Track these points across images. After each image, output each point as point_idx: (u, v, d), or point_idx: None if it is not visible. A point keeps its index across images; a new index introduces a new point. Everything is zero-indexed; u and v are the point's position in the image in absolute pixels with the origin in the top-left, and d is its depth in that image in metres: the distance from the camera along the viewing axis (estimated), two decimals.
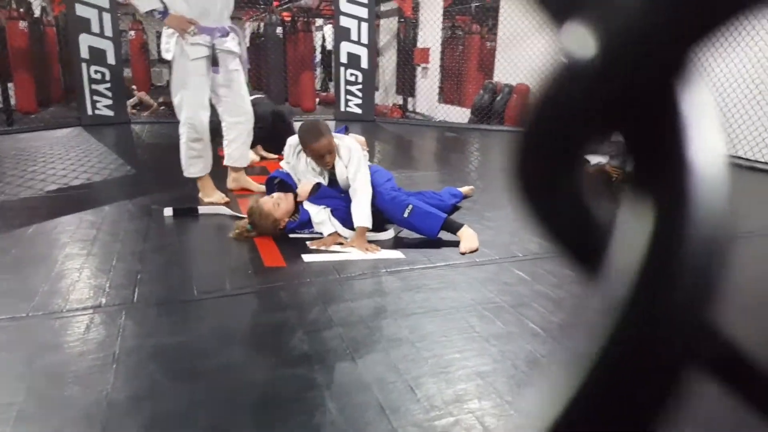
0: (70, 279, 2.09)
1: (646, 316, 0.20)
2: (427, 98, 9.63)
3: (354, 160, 2.60)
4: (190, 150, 3.08)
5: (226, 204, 3.10)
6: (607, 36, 0.19)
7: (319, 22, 14.71)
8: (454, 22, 9.94)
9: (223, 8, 3.01)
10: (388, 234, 2.66)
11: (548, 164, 0.21)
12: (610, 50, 0.19)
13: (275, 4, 9.67)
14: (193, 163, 3.11)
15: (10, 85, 7.19)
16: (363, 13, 6.78)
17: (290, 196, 2.64)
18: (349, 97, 7.05)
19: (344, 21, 6.81)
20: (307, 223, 2.60)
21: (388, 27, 10.92)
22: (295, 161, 2.73)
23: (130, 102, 7.53)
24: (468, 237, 2.51)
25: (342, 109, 7.00)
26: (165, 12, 2.85)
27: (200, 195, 3.18)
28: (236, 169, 3.37)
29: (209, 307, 1.88)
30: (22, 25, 6.72)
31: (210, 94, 3.08)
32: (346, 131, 3.07)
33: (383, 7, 10.69)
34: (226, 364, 1.50)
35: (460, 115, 8.34)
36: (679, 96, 0.19)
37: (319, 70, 13.54)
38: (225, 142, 3.30)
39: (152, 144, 5.42)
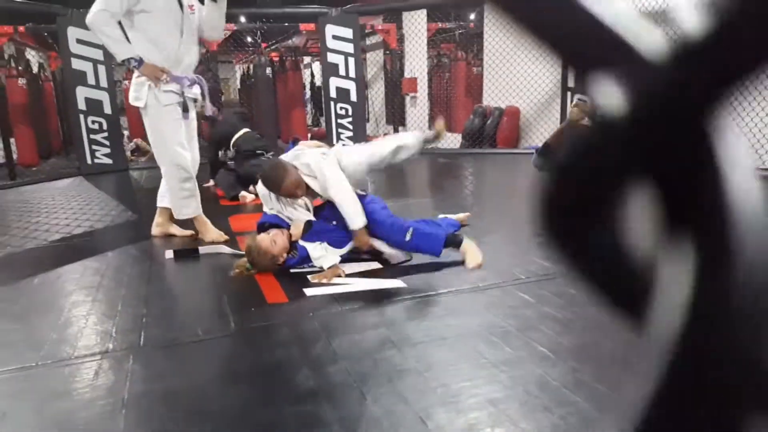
0: (78, 326, 2.09)
1: (701, 364, 0.19)
2: (417, 126, 9.73)
3: (319, 172, 2.61)
4: (182, 191, 3.12)
5: (226, 242, 3.12)
6: (637, 90, 0.19)
7: (307, 59, 14.97)
8: (439, 51, 10.14)
9: (192, 59, 3.14)
10: (399, 257, 2.68)
11: (584, 211, 0.21)
12: (640, 104, 0.19)
13: (263, 45, 9.86)
14: (186, 203, 3.15)
15: (12, 140, 7.28)
16: (349, 48, 6.93)
17: (285, 231, 2.67)
18: (340, 130, 7.15)
19: (331, 57, 6.96)
20: (306, 258, 2.62)
21: (375, 60, 11.13)
22: (275, 204, 2.76)
23: (129, 147, 7.63)
24: (472, 252, 2.56)
25: (334, 142, 7.09)
26: (140, 61, 2.94)
27: (200, 235, 3.20)
28: (165, 213, 3.33)
29: (214, 348, 1.89)
30: (21, 82, 6.87)
31: None
32: (295, 143, 3.08)
33: (368, 41, 10.91)
34: (233, 405, 1.50)
35: (451, 141, 8.43)
36: (713, 144, 0.19)
37: (309, 106, 13.72)
38: (164, 185, 3.30)
39: (151, 188, 5.43)
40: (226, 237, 3.19)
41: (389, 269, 2.61)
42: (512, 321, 1.96)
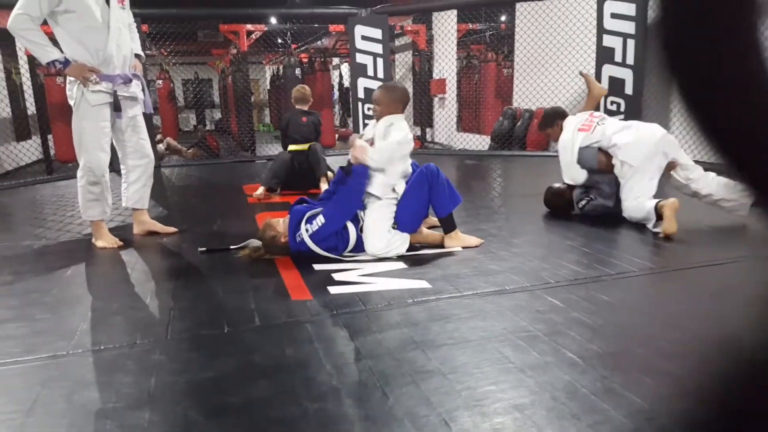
0: (107, 317, 2.14)
1: None
2: (445, 128, 9.70)
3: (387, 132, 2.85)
4: (88, 193, 3.08)
5: (120, 248, 3.08)
6: None
7: (335, 61, 15.06)
8: (469, 52, 10.07)
9: (125, 56, 3.08)
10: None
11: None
12: None
13: (293, 46, 9.95)
14: (91, 206, 3.10)
15: (49, 136, 7.52)
16: (378, 48, 6.93)
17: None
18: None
19: (360, 58, 6.97)
20: (297, 227, 2.70)
21: (404, 61, 11.12)
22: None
23: (161, 146, 7.80)
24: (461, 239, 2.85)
25: None
26: (66, 62, 2.89)
27: (93, 240, 3.16)
28: (139, 212, 3.37)
29: (239, 342, 1.90)
30: (59, 80, 7.04)
31: (113, 138, 3.16)
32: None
33: (397, 42, 10.91)
34: (256, 399, 1.50)
35: (479, 142, 8.37)
36: None
37: (337, 107, 13.80)
38: (124, 185, 3.32)
39: (182, 186, 5.56)
40: (120, 243, 3.13)
41: (414, 269, 2.59)
42: (540, 325, 1.92)
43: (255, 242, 2.81)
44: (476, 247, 2.91)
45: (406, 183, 2.85)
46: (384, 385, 1.55)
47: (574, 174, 3.43)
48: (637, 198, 3.17)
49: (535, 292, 2.25)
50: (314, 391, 1.53)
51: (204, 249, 2.95)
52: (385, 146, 2.81)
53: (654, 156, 3.19)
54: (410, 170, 2.92)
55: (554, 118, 3.65)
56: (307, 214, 2.72)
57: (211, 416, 1.43)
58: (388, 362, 1.70)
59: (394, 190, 2.81)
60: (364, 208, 2.79)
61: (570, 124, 3.52)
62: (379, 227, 2.74)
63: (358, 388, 1.54)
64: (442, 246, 2.90)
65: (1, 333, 1.99)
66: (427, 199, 2.85)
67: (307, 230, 2.67)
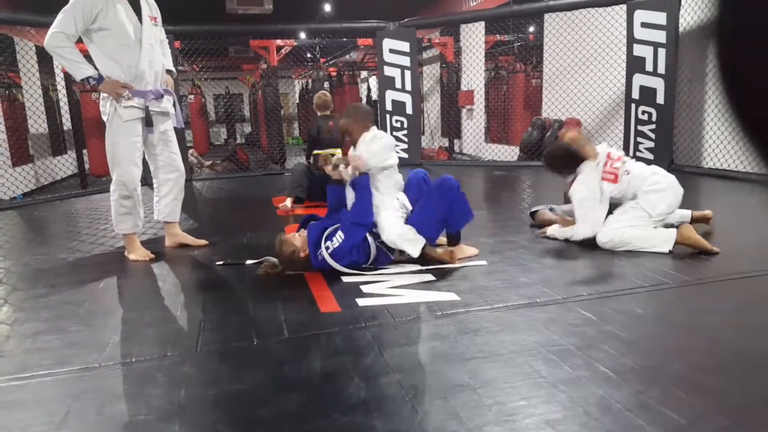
0: (138, 329, 2.17)
1: None
2: (473, 139, 9.66)
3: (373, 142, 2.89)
4: (120, 207, 3.14)
5: (151, 260, 3.12)
6: None
7: (363, 74, 15.19)
8: (497, 63, 10.04)
9: (157, 72, 3.14)
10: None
11: None
12: None
13: (322, 60, 10.08)
14: (123, 219, 3.16)
15: (84, 151, 7.76)
16: (405, 61, 6.96)
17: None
18: (395, 142, 7.16)
19: (388, 70, 7.01)
20: (318, 242, 2.69)
21: (432, 73, 11.15)
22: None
23: (190, 160, 7.98)
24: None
25: None
26: (100, 78, 2.96)
27: (125, 252, 3.21)
28: (170, 225, 3.41)
29: (268, 354, 1.90)
30: (94, 96, 7.27)
31: (144, 153, 3.22)
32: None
33: (425, 55, 10.95)
34: (285, 412, 1.50)
35: (508, 153, 8.31)
36: None
37: None
38: (156, 198, 3.37)
39: (212, 199, 5.65)
40: (152, 256, 3.16)
41: (442, 281, 2.57)
42: (572, 339, 1.87)
43: (272, 259, 2.78)
44: (474, 256, 2.90)
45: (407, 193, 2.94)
46: (413, 399, 1.52)
47: (597, 228, 3.02)
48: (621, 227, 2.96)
49: (567, 305, 2.20)
50: (343, 404, 1.52)
51: (221, 263, 2.98)
52: (374, 147, 2.86)
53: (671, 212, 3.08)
54: (402, 182, 2.99)
55: (574, 160, 3.15)
56: (327, 231, 2.72)
57: (240, 429, 1.44)
58: (417, 376, 1.67)
59: (402, 204, 2.88)
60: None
61: (590, 170, 3.10)
62: (393, 219, 2.78)
63: (387, 402, 1.53)
64: (445, 261, 2.81)
65: (36, 345, 2.04)
66: (445, 213, 2.84)
67: (327, 248, 2.65)
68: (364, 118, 2.97)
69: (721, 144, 5.34)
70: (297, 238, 2.71)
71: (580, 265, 2.72)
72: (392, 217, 2.78)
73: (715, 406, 1.45)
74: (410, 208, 2.90)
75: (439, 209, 2.82)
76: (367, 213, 2.75)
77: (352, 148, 2.95)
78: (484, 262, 2.83)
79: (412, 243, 2.75)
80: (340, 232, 2.68)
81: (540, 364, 1.70)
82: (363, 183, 2.79)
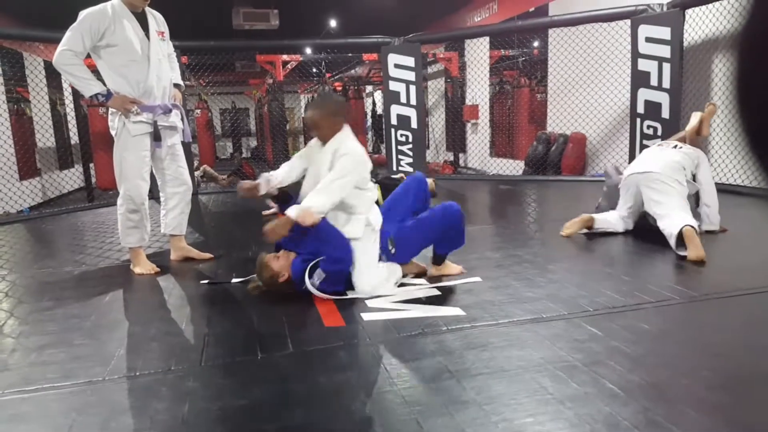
0: (143, 343, 2.17)
1: None
2: (478, 153, 9.68)
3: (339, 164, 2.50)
4: (127, 221, 3.15)
5: (157, 274, 3.13)
6: None
7: (368, 89, 15.29)
8: (501, 78, 10.09)
9: (165, 87, 3.17)
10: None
11: None
12: None
13: (327, 75, 10.15)
14: (130, 233, 3.17)
15: (91, 165, 7.82)
16: (410, 76, 7.00)
17: (292, 254, 2.59)
18: (400, 156, 7.19)
19: (393, 85, 7.05)
20: (301, 278, 2.50)
21: (436, 87, 11.20)
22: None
23: (198, 174, 8.01)
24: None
25: (394, 168, 7.13)
26: (108, 94, 2.99)
27: (131, 266, 3.22)
28: (176, 238, 3.42)
29: (272, 368, 1.89)
30: (101, 111, 7.35)
31: (152, 167, 3.23)
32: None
33: (430, 69, 11.02)
34: (289, 427, 1.49)
35: (513, 167, 8.31)
36: None
37: (370, 134, 13.96)
38: (163, 212, 3.38)
39: (218, 212, 5.67)
40: (157, 270, 3.17)
41: (448, 296, 2.56)
42: (578, 355, 1.86)
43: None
44: (458, 274, 2.84)
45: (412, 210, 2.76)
46: (418, 416, 1.51)
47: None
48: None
49: (573, 320, 2.18)
50: (348, 420, 1.51)
51: (206, 281, 2.95)
52: (330, 186, 2.46)
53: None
54: (376, 195, 2.72)
55: None
56: (309, 267, 2.50)
57: None
58: (422, 391, 1.66)
59: (369, 223, 2.62)
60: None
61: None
62: (365, 270, 2.56)
63: (391, 418, 1.51)
64: (424, 274, 2.82)
65: (41, 358, 2.03)
66: (439, 238, 2.73)
67: (313, 284, 2.49)
68: (335, 112, 2.60)
69: (726, 158, 5.33)
70: (275, 261, 2.55)
71: (585, 280, 2.71)
72: (365, 273, 2.55)
73: (723, 423, 1.43)
74: (379, 224, 2.65)
75: (437, 232, 2.72)
76: (341, 251, 2.51)
77: (293, 208, 2.45)
78: (478, 279, 2.78)
79: (387, 282, 2.60)
80: (320, 271, 2.48)
81: (547, 380, 1.69)
82: (323, 236, 2.49)
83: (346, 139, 2.60)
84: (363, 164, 2.59)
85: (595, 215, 3.63)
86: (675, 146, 3.57)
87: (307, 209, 2.42)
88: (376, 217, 2.67)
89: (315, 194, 2.46)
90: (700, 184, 3.46)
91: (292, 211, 2.41)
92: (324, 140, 2.62)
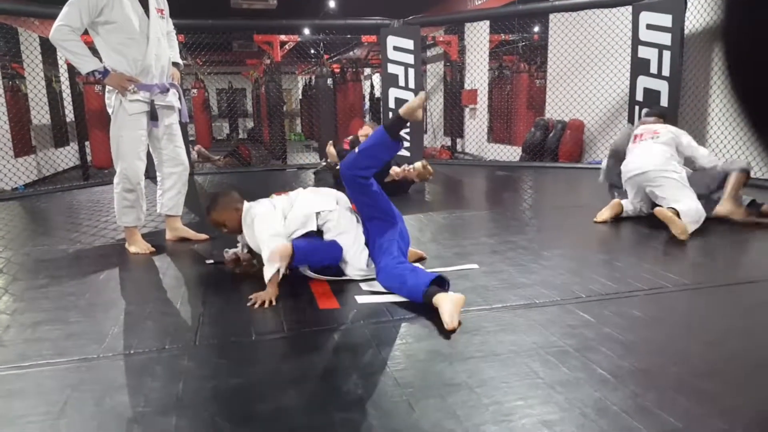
0: (138, 322, 2.17)
1: None
2: (475, 138, 9.66)
3: (250, 225, 2.54)
4: (123, 200, 3.15)
5: (152, 253, 3.14)
6: None
7: (367, 71, 15.18)
8: (501, 63, 10.02)
9: (163, 66, 3.14)
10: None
11: None
12: None
13: (325, 57, 10.06)
14: (126, 212, 3.17)
15: (86, 143, 7.77)
16: (409, 59, 6.95)
17: (247, 255, 2.73)
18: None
19: (392, 68, 7.00)
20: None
21: (435, 71, 11.13)
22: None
23: (192, 154, 7.98)
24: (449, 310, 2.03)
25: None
26: (105, 72, 2.96)
27: (126, 245, 3.22)
28: (172, 218, 3.42)
29: (266, 349, 1.91)
30: (97, 88, 7.28)
31: (149, 146, 3.22)
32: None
33: (429, 53, 10.94)
34: (282, 407, 1.50)
35: (510, 153, 8.30)
36: None
37: (368, 117, 13.89)
38: (159, 192, 3.38)
39: (214, 193, 5.65)
40: (152, 249, 3.17)
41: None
42: (570, 340, 1.88)
43: (231, 252, 2.76)
44: (422, 259, 2.86)
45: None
46: (410, 397, 1.53)
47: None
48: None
49: (566, 307, 2.20)
50: (341, 401, 1.53)
51: (212, 261, 2.96)
52: (263, 248, 2.44)
53: None
54: (338, 199, 2.66)
55: None
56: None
57: (238, 423, 1.44)
58: (414, 374, 1.68)
59: (357, 220, 2.60)
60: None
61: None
62: (354, 252, 2.54)
63: (384, 399, 1.53)
64: (423, 260, 2.86)
65: (35, 335, 2.04)
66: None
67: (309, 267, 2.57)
68: (228, 206, 2.67)
69: (724, 147, 5.34)
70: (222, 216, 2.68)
71: (579, 267, 2.72)
72: (354, 255, 2.54)
73: (712, 409, 1.45)
74: (348, 205, 2.64)
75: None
76: (333, 251, 2.53)
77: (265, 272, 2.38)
78: (475, 266, 2.76)
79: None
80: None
81: (538, 364, 1.70)
82: (309, 256, 2.51)
83: (246, 213, 2.61)
84: (269, 216, 2.53)
85: (623, 201, 3.73)
86: (652, 137, 3.69)
87: (268, 267, 2.36)
88: (343, 200, 2.65)
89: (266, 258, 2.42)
90: (691, 158, 3.62)
91: (265, 275, 2.36)
92: (237, 230, 2.68)
